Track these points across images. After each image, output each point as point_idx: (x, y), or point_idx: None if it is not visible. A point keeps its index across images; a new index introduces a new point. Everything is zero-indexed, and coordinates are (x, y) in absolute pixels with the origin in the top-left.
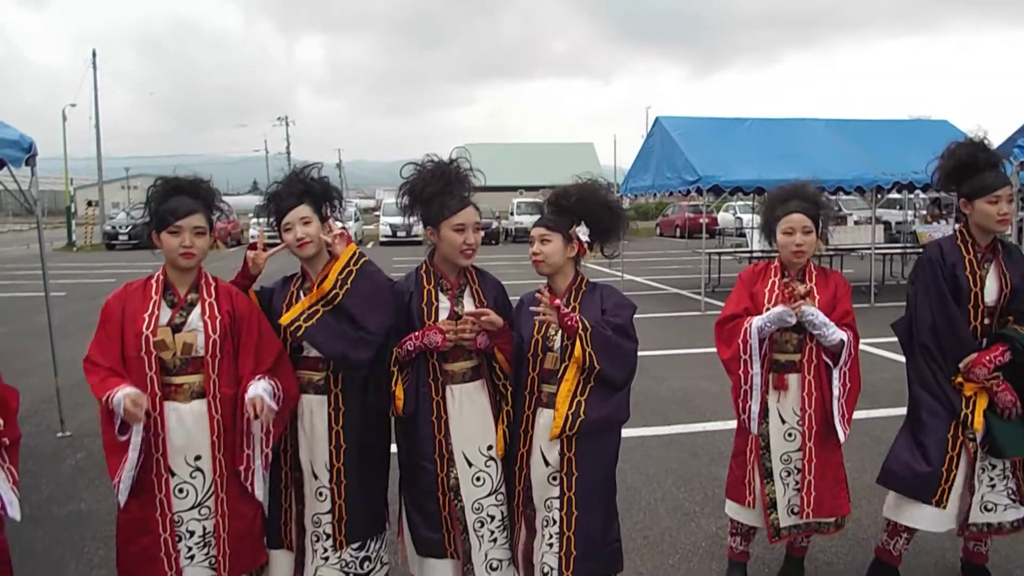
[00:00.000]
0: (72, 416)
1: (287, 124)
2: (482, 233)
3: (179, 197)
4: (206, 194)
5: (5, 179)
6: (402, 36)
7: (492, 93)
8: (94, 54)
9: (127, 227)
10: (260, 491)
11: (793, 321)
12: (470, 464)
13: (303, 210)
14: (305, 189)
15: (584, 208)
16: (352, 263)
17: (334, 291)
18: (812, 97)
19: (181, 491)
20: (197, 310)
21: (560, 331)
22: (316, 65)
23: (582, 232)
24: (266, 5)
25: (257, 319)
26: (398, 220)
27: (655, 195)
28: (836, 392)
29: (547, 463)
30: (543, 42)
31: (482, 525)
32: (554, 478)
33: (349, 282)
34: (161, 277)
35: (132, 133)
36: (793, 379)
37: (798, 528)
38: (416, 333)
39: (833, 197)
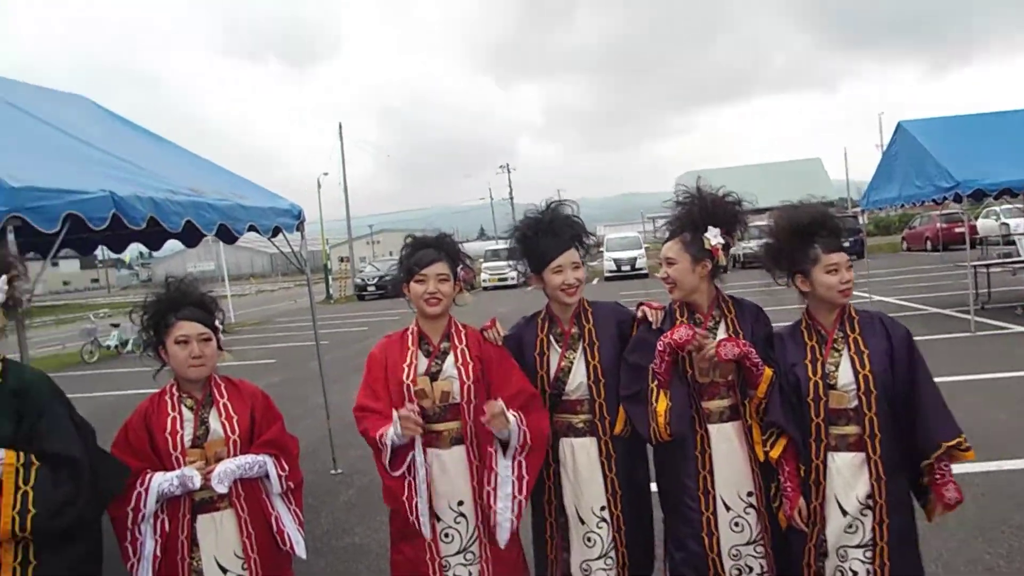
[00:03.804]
0: (343, 455)
1: (509, 171)
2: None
3: (425, 250)
4: (449, 246)
5: (280, 244)
6: (614, 72)
7: (709, 118)
8: (340, 127)
9: (374, 279)
10: (505, 534)
11: None
12: (728, 508)
13: (574, 254)
14: (574, 233)
15: None
16: None
17: None
18: None
19: (447, 536)
20: (451, 358)
21: (842, 366)
22: (534, 111)
23: None
24: (485, 63)
25: (507, 363)
26: (622, 255)
27: (902, 206)
28: None
29: (844, 513)
30: (760, 59)
31: (739, 574)
32: (852, 527)
33: None
34: (416, 328)
35: (374, 193)
36: None
37: None
38: (667, 335)
39: None
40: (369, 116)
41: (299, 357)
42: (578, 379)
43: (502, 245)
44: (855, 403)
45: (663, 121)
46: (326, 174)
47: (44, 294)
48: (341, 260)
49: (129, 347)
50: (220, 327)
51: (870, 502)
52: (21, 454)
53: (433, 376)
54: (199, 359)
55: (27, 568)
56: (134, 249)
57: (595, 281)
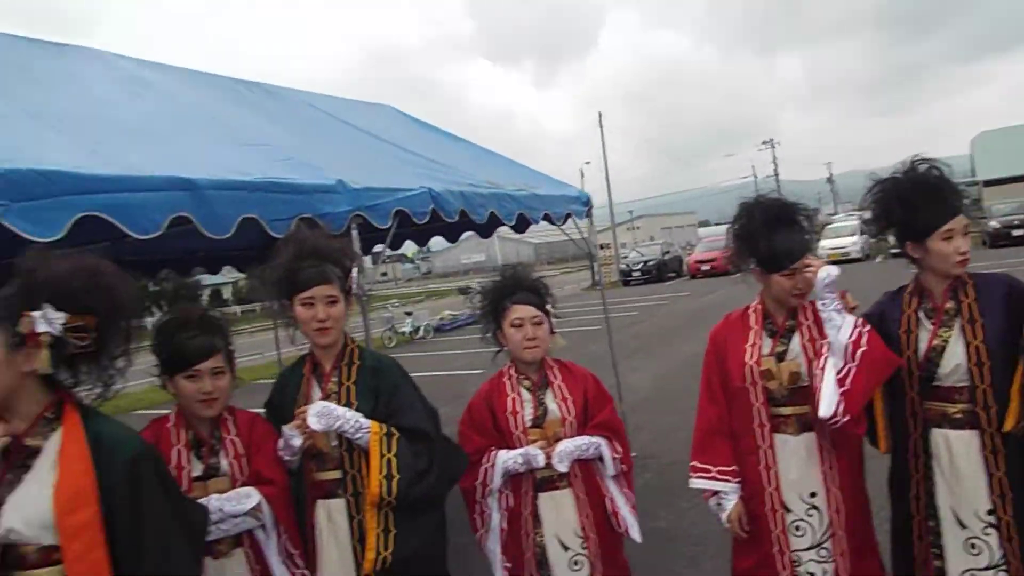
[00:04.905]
0: (634, 438)
1: (772, 147)
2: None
3: (791, 236)
4: (806, 220)
5: (570, 230)
6: (888, 29)
7: (1009, 66)
8: (600, 116)
9: (639, 264)
10: None
11: None
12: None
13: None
14: (958, 194)
15: None
16: None
17: None
18: None
19: (797, 529)
20: (796, 337)
21: None
22: (797, 81)
23: None
24: (740, 35)
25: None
26: None
27: None
28: None
29: None
30: None
31: None
32: None
33: None
34: (759, 306)
35: (633, 178)
36: None
37: None
38: None
39: None
40: (624, 101)
41: (573, 341)
42: (954, 361)
43: None
44: None
45: (950, 77)
46: (588, 163)
47: None
48: (601, 247)
49: (420, 333)
50: (552, 311)
51: None
52: (383, 425)
53: (779, 357)
54: (532, 341)
55: (388, 536)
56: (410, 245)
57: (880, 259)
